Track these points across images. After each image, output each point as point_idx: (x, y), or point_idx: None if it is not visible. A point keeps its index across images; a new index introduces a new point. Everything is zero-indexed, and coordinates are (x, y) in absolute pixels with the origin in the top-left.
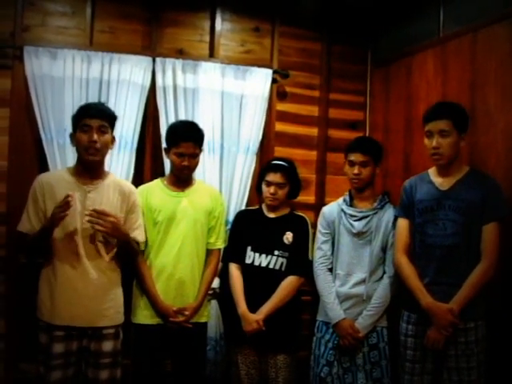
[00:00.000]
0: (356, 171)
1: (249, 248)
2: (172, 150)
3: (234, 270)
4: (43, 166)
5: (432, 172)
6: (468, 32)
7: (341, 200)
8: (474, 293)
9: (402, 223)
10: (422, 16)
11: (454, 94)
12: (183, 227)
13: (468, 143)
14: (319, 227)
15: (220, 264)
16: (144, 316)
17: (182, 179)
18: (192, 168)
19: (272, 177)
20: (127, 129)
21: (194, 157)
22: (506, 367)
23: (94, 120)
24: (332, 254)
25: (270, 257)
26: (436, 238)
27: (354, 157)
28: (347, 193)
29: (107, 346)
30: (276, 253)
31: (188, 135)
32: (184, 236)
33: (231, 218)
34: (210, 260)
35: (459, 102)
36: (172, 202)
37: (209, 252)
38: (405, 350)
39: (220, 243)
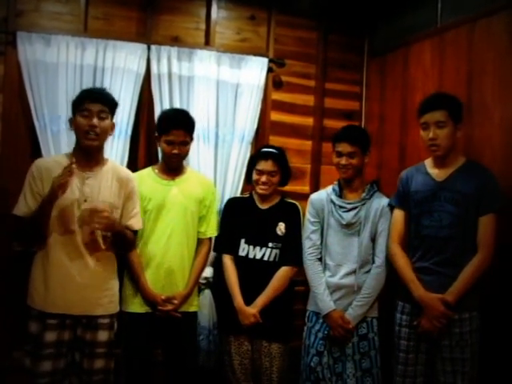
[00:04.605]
0: (344, 162)
1: (242, 240)
2: (163, 137)
3: (228, 262)
4: (36, 154)
5: (428, 163)
6: (466, 22)
7: (330, 189)
8: (469, 284)
9: (398, 213)
10: (420, 6)
11: (451, 85)
12: (173, 216)
13: (464, 135)
14: (308, 216)
15: (212, 253)
16: (133, 304)
17: (173, 167)
18: (182, 156)
19: (263, 165)
20: (122, 116)
21: (184, 145)
22: (500, 358)
23: (94, 104)
24: (321, 243)
25: (264, 249)
26: (431, 230)
27: (341, 147)
28: (336, 182)
29: (102, 335)
30: (270, 245)
31: (179, 123)
32: (174, 225)
33: None
34: (200, 249)
35: (456, 93)
36: (162, 190)
37: (199, 241)
38: (398, 340)
39: (211, 232)
